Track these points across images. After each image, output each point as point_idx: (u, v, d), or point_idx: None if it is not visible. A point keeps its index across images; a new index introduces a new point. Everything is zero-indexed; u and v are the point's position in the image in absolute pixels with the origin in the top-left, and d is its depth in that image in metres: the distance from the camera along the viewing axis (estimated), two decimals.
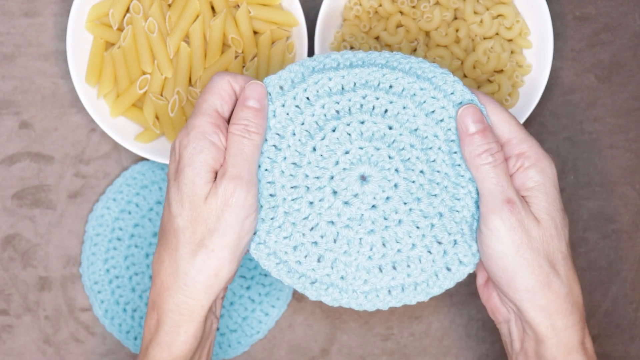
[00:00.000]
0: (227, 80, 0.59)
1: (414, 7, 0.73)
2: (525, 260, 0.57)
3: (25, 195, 0.76)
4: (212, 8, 0.73)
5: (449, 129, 0.59)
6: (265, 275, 0.75)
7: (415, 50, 0.73)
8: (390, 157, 0.58)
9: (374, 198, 0.58)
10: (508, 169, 0.58)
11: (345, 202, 0.58)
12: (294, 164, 0.59)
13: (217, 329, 0.74)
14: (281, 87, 0.59)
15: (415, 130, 0.59)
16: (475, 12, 0.73)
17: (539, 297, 0.57)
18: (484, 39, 0.73)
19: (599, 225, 0.78)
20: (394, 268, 0.59)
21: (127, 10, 0.72)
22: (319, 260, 0.59)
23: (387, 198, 0.58)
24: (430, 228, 0.59)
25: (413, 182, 0.59)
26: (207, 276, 0.57)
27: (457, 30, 0.73)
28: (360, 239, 0.59)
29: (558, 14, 0.77)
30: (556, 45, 0.77)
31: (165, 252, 0.58)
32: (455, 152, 0.59)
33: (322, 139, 0.59)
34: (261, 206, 0.59)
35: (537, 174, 0.58)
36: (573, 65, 0.78)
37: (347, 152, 0.58)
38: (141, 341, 0.67)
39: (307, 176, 0.59)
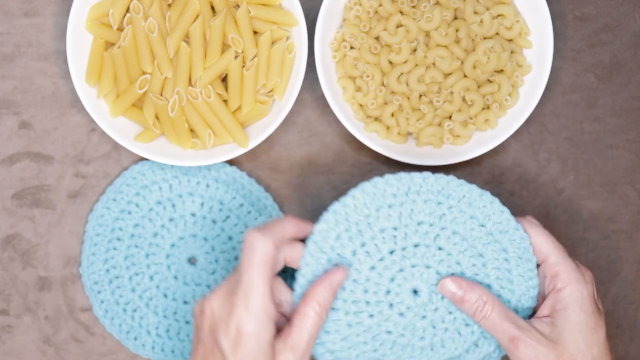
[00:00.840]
0: (272, 242, 0.62)
1: (414, 7, 0.73)
2: None
3: (25, 195, 0.76)
4: (212, 8, 0.73)
5: (494, 251, 0.66)
6: None
7: (415, 50, 0.73)
8: (438, 274, 0.66)
9: (424, 309, 0.66)
10: (503, 308, 0.64)
11: (400, 314, 0.66)
12: (354, 280, 0.65)
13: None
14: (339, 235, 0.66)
15: (464, 251, 0.66)
16: (475, 12, 0.73)
17: None
18: (484, 38, 0.73)
19: (599, 225, 0.78)
20: None
21: (127, 10, 0.72)
22: None
23: (435, 309, 0.66)
24: (471, 334, 0.67)
25: None
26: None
27: (457, 30, 0.73)
28: (413, 344, 0.67)
29: (558, 14, 0.77)
30: (556, 45, 0.77)
31: None
32: (498, 269, 0.67)
33: (381, 259, 0.65)
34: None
35: (566, 298, 0.63)
36: (573, 65, 0.78)
37: (401, 270, 0.66)
38: (144, 347, 0.74)
39: (366, 291, 0.66)
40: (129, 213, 0.75)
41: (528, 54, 0.74)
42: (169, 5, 0.72)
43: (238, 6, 0.73)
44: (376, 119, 0.74)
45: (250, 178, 0.76)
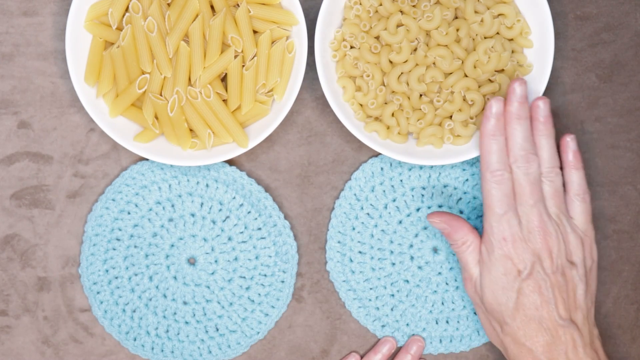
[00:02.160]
0: None
1: (414, 6, 0.72)
2: None
3: (24, 195, 0.76)
4: (212, 7, 0.72)
5: None
6: (265, 275, 0.75)
7: (415, 49, 0.73)
8: None
9: (441, 267, 0.75)
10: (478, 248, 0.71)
11: (419, 267, 0.75)
12: (382, 230, 0.75)
13: (217, 330, 0.74)
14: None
15: (481, 216, 0.75)
16: (475, 12, 0.73)
17: None
18: (485, 38, 0.73)
19: (601, 225, 0.77)
20: (447, 322, 0.76)
21: (127, 10, 0.72)
22: (392, 309, 0.76)
23: (451, 268, 0.75)
24: None
25: None
26: None
27: (457, 30, 0.72)
28: (426, 296, 0.75)
29: (559, 13, 0.77)
30: (557, 44, 0.77)
31: None
32: None
33: (408, 215, 0.75)
34: (351, 260, 0.75)
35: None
36: (574, 64, 0.78)
37: (425, 228, 0.75)
38: (143, 348, 0.75)
39: (391, 242, 0.75)
40: (128, 213, 0.75)
41: (529, 53, 0.74)
42: (169, 5, 0.72)
43: (238, 5, 0.72)
44: (376, 118, 0.74)
45: (250, 178, 0.75)
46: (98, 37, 0.72)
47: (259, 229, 0.75)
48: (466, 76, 0.73)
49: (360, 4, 0.73)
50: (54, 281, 0.76)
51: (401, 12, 0.73)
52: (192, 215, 0.75)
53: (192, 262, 0.75)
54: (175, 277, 0.75)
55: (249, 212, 0.75)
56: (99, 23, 0.72)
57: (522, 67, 0.73)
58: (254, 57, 0.72)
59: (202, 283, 0.75)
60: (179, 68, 0.71)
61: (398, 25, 0.73)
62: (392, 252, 0.76)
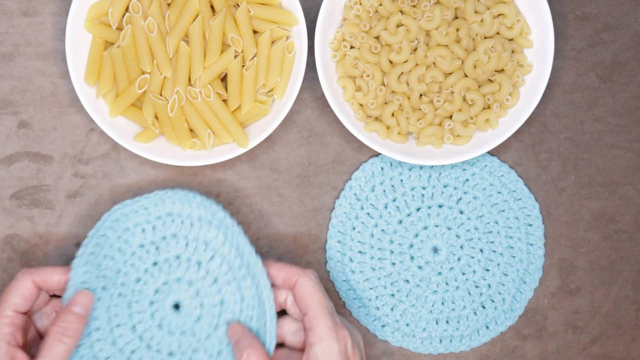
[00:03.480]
0: (31, 279, 0.67)
1: (414, 6, 0.72)
2: None
3: (24, 195, 0.76)
4: (212, 7, 0.72)
5: (508, 218, 0.76)
6: (252, 318, 0.70)
7: (415, 49, 0.73)
8: (457, 236, 0.75)
9: (441, 267, 0.75)
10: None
11: (419, 267, 0.75)
12: (383, 230, 0.75)
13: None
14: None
15: (481, 216, 0.75)
16: (475, 12, 0.72)
17: None
18: (485, 38, 0.73)
19: (601, 225, 0.77)
20: (447, 322, 0.76)
21: (127, 10, 0.72)
22: (392, 309, 0.75)
23: (451, 268, 0.75)
24: (479, 295, 0.75)
25: (472, 257, 0.76)
26: None
27: (457, 30, 0.72)
28: (426, 296, 0.75)
29: (559, 13, 0.77)
30: (557, 44, 0.77)
31: None
32: (510, 237, 0.76)
33: (408, 215, 0.75)
34: (351, 260, 0.75)
35: (318, 352, 0.65)
36: (574, 64, 0.78)
37: (425, 228, 0.75)
38: None
39: (392, 242, 0.75)
40: (112, 259, 0.70)
41: (529, 53, 0.74)
42: (169, 5, 0.72)
43: (238, 5, 0.72)
44: (376, 118, 0.74)
45: (232, 218, 0.71)
46: (98, 37, 0.72)
47: (240, 268, 0.70)
48: (466, 76, 0.73)
49: (360, 4, 0.73)
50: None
51: (401, 12, 0.73)
52: (177, 257, 0.70)
53: (177, 307, 0.70)
54: (159, 326, 0.70)
55: (230, 251, 0.70)
56: (99, 23, 0.72)
57: (522, 67, 0.73)
58: (254, 57, 0.72)
59: (188, 330, 0.70)
60: (179, 68, 0.71)
61: (398, 25, 0.73)
62: (392, 252, 0.76)
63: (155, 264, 0.70)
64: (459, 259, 0.76)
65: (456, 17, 0.73)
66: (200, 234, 0.70)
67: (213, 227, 0.70)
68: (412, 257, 0.76)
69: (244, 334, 0.67)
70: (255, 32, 0.73)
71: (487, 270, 0.76)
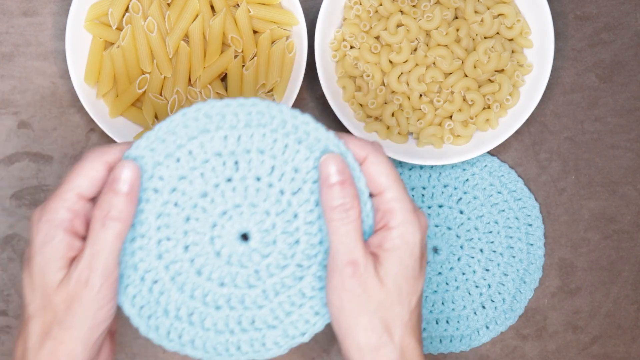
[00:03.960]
0: (101, 160, 0.55)
1: (414, 6, 0.72)
2: (359, 322, 0.56)
3: (24, 195, 0.76)
4: (212, 7, 0.72)
5: (508, 218, 0.75)
6: (325, 266, 0.60)
7: (415, 49, 0.73)
8: (457, 236, 0.74)
9: (441, 267, 0.75)
10: (360, 227, 0.56)
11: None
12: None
13: (253, 322, 0.60)
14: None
15: (481, 216, 0.75)
16: (475, 12, 0.73)
17: (367, 358, 0.56)
18: (485, 38, 0.73)
19: (600, 225, 0.77)
20: (447, 322, 0.75)
21: (127, 10, 0.72)
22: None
23: (451, 268, 0.75)
24: (479, 295, 0.76)
25: (472, 257, 0.76)
26: None
27: (457, 30, 0.72)
28: (426, 296, 0.75)
29: (559, 13, 0.77)
30: (557, 44, 0.77)
31: (18, 342, 0.57)
32: (510, 237, 0.76)
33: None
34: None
35: (397, 238, 0.56)
36: (574, 64, 0.78)
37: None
38: (157, 330, 0.60)
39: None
40: (177, 161, 0.58)
41: (529, 53, 0.74)
42: (169, 5, 0.72)
43: (238, 5, 0.72)
44: (376, 118, 0.74)
45: (347, 150, 0.59)
46: (98, 37, 0.72)
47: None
48: (466, 76, 0.73)
49: (360, 4, 0.73)
50: None
51: (401, 12, 0.73)
52: (258, 179, 0.58)
53: (244, 238, 0.59)
54: (218, 253, 0.58)
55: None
56: (99, 23, 0.72)
57: (522, 67, 0.73)
58: (254, 57, 0.72)
59: (252, 266, 0.59)
60: (179, 68, 0.71)
61: (398, 25, 0.73)
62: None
63: (229, 180, 0.58)
64: (459, 259, 0.76)
65: (456, 17, 0.73)
66: (294, 159, 0.58)
67: (312, 158, 0.58)
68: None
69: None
70: (255, 32, 0.73)
71: (487, 270, 0.76)
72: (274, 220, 0.58)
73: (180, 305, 0.59)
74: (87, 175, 0.55)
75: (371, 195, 0.58)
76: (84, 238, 0.55)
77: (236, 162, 0.58)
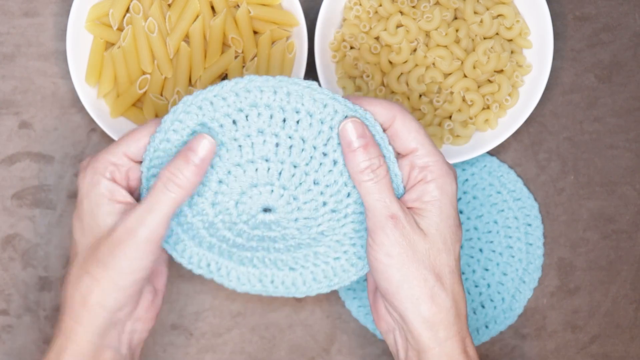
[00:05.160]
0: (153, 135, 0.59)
1: (414, 7, 0.73)
2: (410, 272, 0.58)
3: (25, 195, 0.76)
4: (212, 8, 0.73)
5: (507, 218, 0.76)
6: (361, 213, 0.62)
7: (415, 50, 0.73)
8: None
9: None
10: (390, 183, 0.59)
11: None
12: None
13: (293, 269, 0.61)
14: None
15: (480, 216, 0.74)
16: (475, 12, 0.73)
17: (423, 309, 0.58)
18: (484, 39, 0.73)
19: (599, 225, 0.78)
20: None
21: (127, 10, 0.72)
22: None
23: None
24: (478, 295, 0.76)
25: (472, 257, 0.76)
26: (90, 304, 0.58)
27: (457, 30, 0.73)
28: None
29: (558, 14, 0.77)
30: (556, 45, 0.77)
31: (66, 274, 0.60)
32: (510, 237, 0.75)
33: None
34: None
35: (436, 189, 0.59)
36: (573, 65, 0.78)
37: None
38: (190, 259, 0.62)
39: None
40: (222, 126, 0.59)
41: (528, 54, 0.74)
42: (169, 5, 0.72)
43: (238, 6, 0.73)
44: None
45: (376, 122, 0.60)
46: (99, 38, 0.72)
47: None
48: (465, 77, 0.73)
49: (360, 4, 0.73)
50: (55, 281, 0.76)
51: (401, 12, 0.73)
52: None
53: (266, 211, 0.61)
54: (246, 222, 0.61)
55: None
56: (100, 24, 0.72)
57: (521, 68, 0.73)
58: (254, 57, 0.72)
59: (280, 226, 0.61)
60: (179, 68, 0.71)
61: (398, 26, 0.73)
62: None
63: (238, 165, 0.60)
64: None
65: (455, 18, 0.74)
66: (310, 134, 0.60)
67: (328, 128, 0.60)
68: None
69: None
70: (255, 32, 0.73)
71: (487, 269, 0.76)
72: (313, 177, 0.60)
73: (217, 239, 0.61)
74: (139, 140, 0.59)
75: (401, 155, 0.60)
76: (127, 189, 0.59)
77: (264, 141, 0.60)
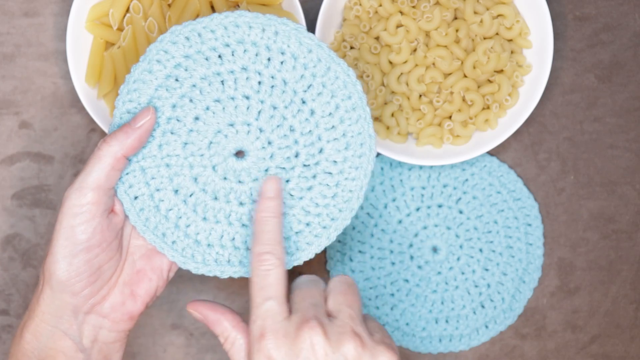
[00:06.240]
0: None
1: (414, 7, 0.73)
2: None
3: (25, 195, 0.76)
4: (212, 8, 0.73)
5: (507, 218, 0.77)
6: (331, 174, 0.60)
7: (415, 50, 0.73)
8: (457, 236, 0.76)
9: (441, 266, 0.76)
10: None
11: (419, 266, 0.76)
12: (382, 230, 0.70)
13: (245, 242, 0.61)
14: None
15: (480, 216, 0.76)
16: (475, 12, 0.73)
17: None
18: (484, 39, 0.73)
19: (599, 225, 0.78)
20: (447, 321, 0.77)
21: (127, 10, 0.72)
22: (392, 309, 0.74)
23: (451, 268, 0.76)
24: (478, 295, 0.76)
25: (472, 257, 0.77)
26: (45, 276, 0.59)
27: (457, 30, 0.73)
28: (426, 296, 0.75)
29: (558, 14, 0.77)
30: (556, 45, 0.77)
31: None
32: (510, 237, 0.77)
33: (408, 215, 0.75)
34: (351, 260, 0.73)
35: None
36: (573, 65, 0.78)
37: (425, 228, 0.75)
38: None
39: (391, 242, 0.75)
40: (167, 90, 0.59)
41: (528, 54, 0.74)
42: (169, 5, 0.72)
43: (238, 6, 0.73)
44: (376, 118, 0.74)
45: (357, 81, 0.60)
46: (99, 38, 0.72)
47: (330, 114, 0.60)
48: (465, 77, 0.73)
49: (360, 4, 0.73)
50: None
51: (401, 12, 0.73)
52: (247, 97, 0.60)
53: (240, 155, 0.61)
54: (214, 168, 0.60)
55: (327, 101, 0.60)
56: (100, 24, 0.72)
57: (521, 68, 0.73)
58: None
59: (248, 182, 0.60)
60: None
61: (398, 26, 0.73)
62: (391, 251, 0.76)
63: (217, 101, 0.60)
64: (458, 259, 0.76)
65: (455, 18, 0.74)
66: (283, 74, 0.60)
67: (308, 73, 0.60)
68: (411, 257, 0.76)
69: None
70: None
71: (487, 269, 0.76)
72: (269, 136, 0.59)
73: (171, 206, 0.60)
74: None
75: None
76: None
77: (222, 82, 0.59)
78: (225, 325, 0.57)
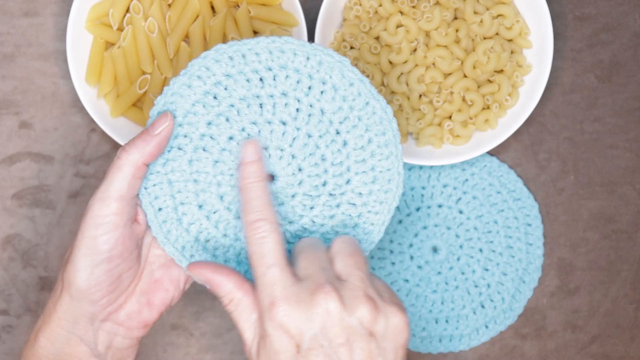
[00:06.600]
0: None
1: (414, 7, 0.73)
2: None
3: (25, 195, 0.76)
4: (212, 8, 0.73)
5: (507, 218, 0.77)
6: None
7: (415, 50, 0.73)
8: (457, 236, 0.76)
9: (441, 266, 0.76)
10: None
11: (419, 266, 0.76)
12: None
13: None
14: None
15: (480, 216, 0.76)
16: (475, 12, 0.73)
17: None
18: (484, 39, 0.73)
19: (599, 225, 0.78)
20: (447, 321, 0.77)
21: (127, 10, 0.72)
22: None
23: (451, 268, 0.76)
24: (478, 295, 0.76)
25: (472, 257, 0.76)
26: (65, 284, 0.58)
27: (457, 30, 0.73)
28: (426, 296, 0.75)
29: (558, 14, 0.77)
30: (556, 45, 0.77)
31: None
32: (510, 237, 0.77)
33: (408, 214, 0.75)
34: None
35: None
36: (573, 65, 0.78)
37: (425, 228, 0.75)
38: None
39: (391, 241, 0.76)
40: (204, 107, 0.59)
41: (528, 54, 0.74)
42: (169, 6, 0.72)
43: (238, 6, 0.73)
44: None
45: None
46: (99, 38, 0.72)
47: (362, 147, 0.60)
48: (465, 77, 0.73)
49: (360, 4, 0.73)
50: (55, 281, 0.76)
51: (401, 12, 0.73)
52: (284, 123, 0.59)
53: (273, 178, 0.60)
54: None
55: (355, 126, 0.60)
56: (100, 24, 0.72)
57: (521, 68, 0.73)
58: None
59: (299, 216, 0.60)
60: (179, 68, 0.71)
61: (398, 26, 0.73)
62: (391, 251, 0.76)
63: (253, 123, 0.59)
64: (458, 259, 0.76)
65: (455, 18, 0.74)
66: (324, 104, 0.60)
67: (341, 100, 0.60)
68: (411, 257, 0.76)
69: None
70: (255, 32, 0.73)
71: (487, 269, 0.76)
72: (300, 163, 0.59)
73: (194, 221, 0.60)
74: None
75: None
76: None
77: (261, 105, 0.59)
78: (229, 287, 0.56)
